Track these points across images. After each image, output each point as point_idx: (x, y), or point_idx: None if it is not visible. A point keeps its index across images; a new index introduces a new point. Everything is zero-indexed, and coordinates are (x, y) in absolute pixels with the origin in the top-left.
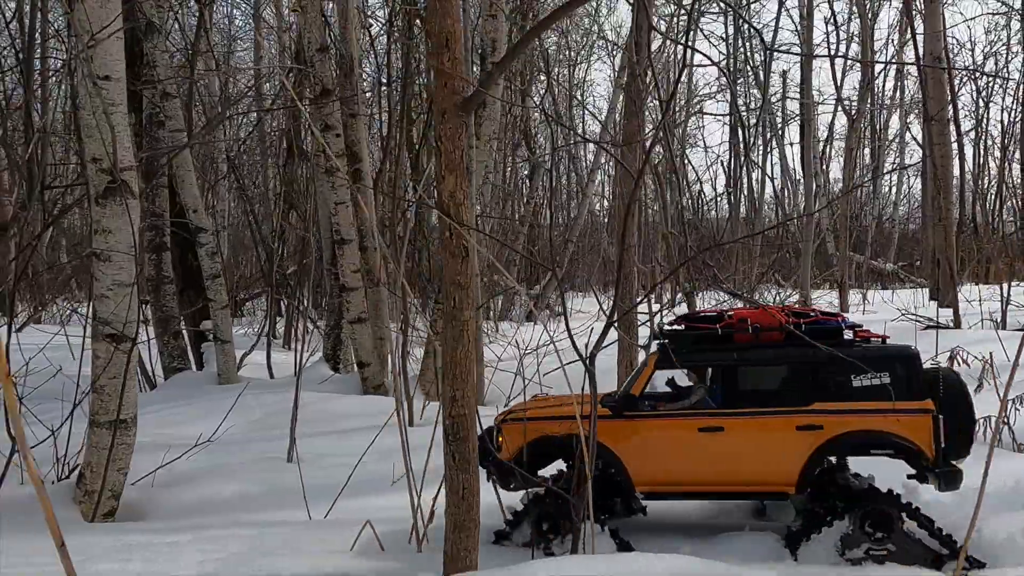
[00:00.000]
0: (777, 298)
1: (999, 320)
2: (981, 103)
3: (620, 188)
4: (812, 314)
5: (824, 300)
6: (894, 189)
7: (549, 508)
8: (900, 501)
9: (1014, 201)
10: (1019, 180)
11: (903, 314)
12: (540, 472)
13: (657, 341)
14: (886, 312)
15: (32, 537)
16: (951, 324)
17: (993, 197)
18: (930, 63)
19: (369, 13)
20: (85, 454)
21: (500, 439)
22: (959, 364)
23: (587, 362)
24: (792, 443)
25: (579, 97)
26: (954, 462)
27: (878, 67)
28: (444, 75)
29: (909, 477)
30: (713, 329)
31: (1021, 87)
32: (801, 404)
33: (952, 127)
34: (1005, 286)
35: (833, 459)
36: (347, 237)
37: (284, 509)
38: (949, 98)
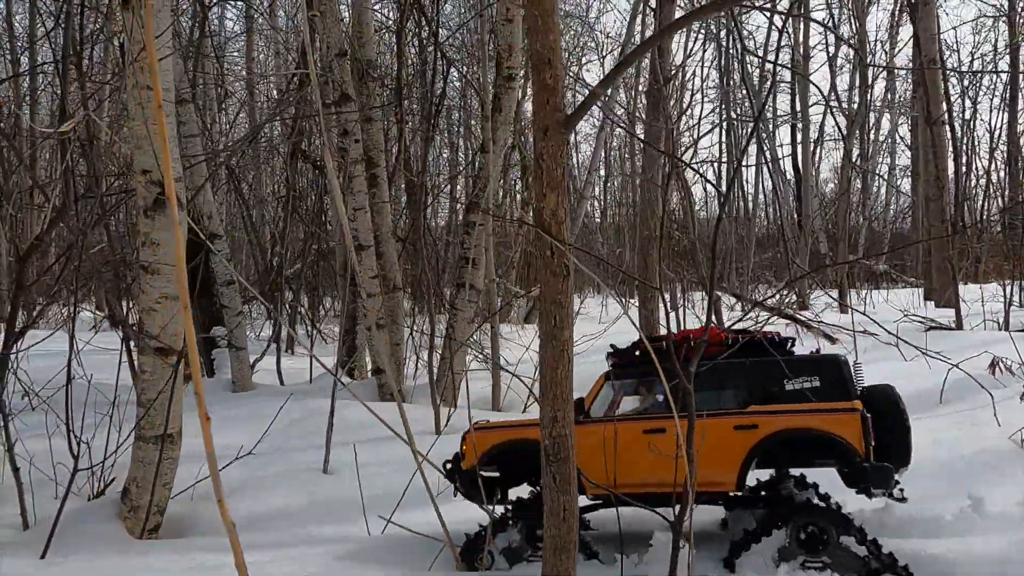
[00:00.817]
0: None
1: (1002, 320)
2: (968, 103)
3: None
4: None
5: (822, 301)
6: (883, 190)
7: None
8: (837, 515)
9: (1000, 201)
10: (1005, 180)
11: (905, 315)
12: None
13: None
14: (887, 313)
15: (93, 558)
16: (952, 325)
17: (982, 198)
18: (927, 64)
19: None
20: (131, 469)
21: (463, 448)
22: (1001, 371)
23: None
24: (730, 442)
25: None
26: (896, 476)
27: (869, 69)
28: (547, 91)
29: (849, 485)
30: (659, 345)
31: (1008, 88)
32: (738, 407)
33: (947, 129)
34: (1008, 286)
35: (774, 471)
36: (365, 243)
37: (333, 523)
38: (944, 100)
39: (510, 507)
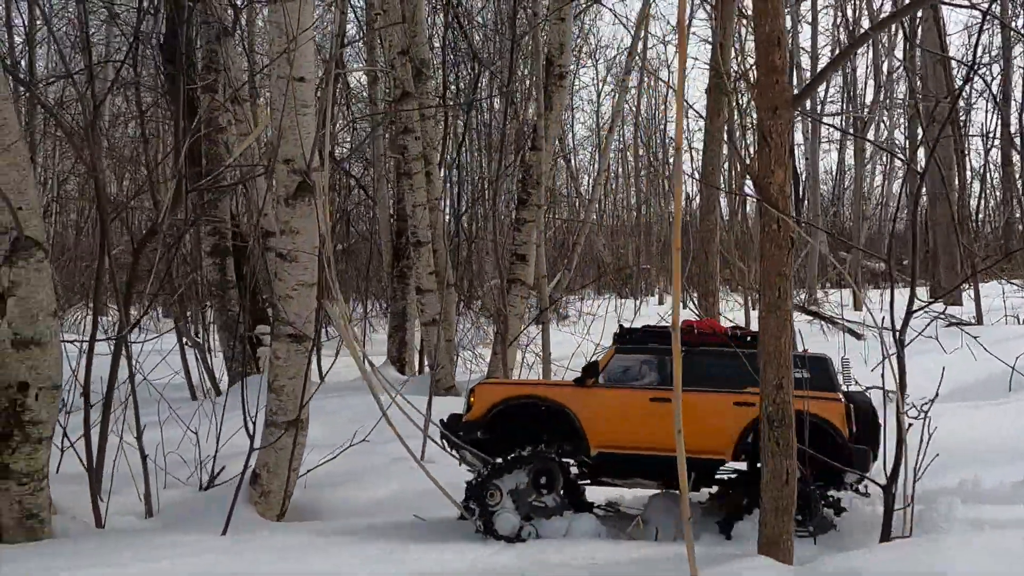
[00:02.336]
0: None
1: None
2: (960, 103)
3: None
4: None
5: (835, 299)
6: (879, 189)
7: (547, 463)
8: (821, 490)
9: (995, 200)
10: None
11: (923, 311)
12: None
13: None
14: (899, 311)
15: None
16: (973, 321)
17: (978, 197)
18: (931, 65)
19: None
20: (260, 455)
21: (471, 399)
22: None
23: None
24: (730, 415)
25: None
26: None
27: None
28: (776, 72)
29: (824, 477)
30: (664, 330)
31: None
32: (735, 388)
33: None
34: None
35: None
36: (423, 239)
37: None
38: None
39: (517, 453)
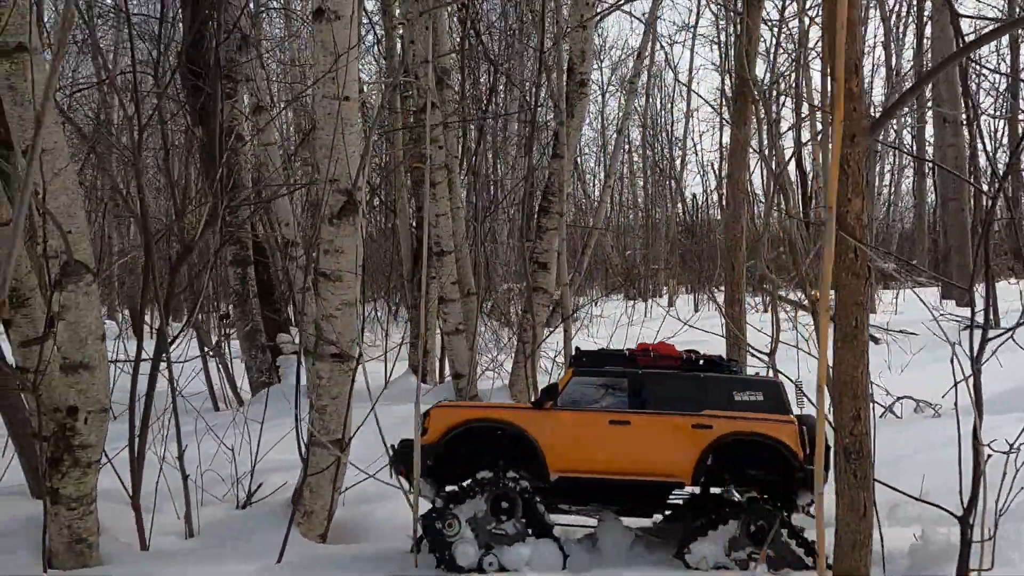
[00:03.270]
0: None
1: None
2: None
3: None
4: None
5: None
6: (887, 189)
7: (506, 488)
8: (779, 513)
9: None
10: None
11: (941, 314)
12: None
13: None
14: (916, 312)
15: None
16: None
17: (985, 198)
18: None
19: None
20: (302, 473)
21: (426, 422)
22: None
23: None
24: (689, 438)
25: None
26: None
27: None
28: (853, 99)
29: (777, 499)
30: (621, 353)
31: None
32: (693, 410)
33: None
34: None
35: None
36: (446, 248)
37: None
38: (964, 98)
39: (474, 479)
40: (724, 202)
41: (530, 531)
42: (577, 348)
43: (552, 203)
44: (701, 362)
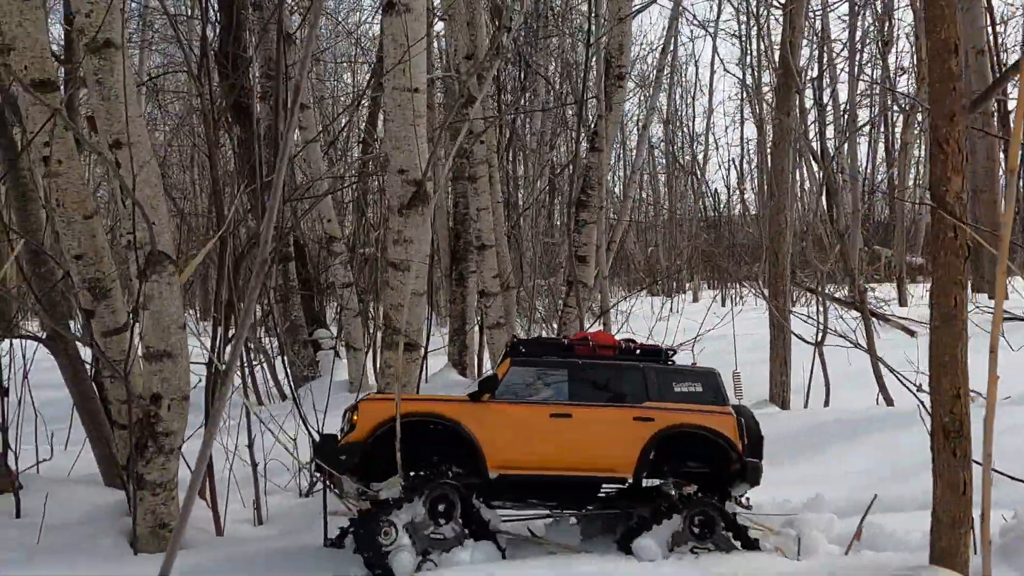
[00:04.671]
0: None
1: None
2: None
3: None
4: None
5: (880, 294)
6: (920, 183)
7: (445, 490)
8: (721, 507)
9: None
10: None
11: (976, 306)
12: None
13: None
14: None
15: None
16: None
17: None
18: (972, 55)
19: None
20: None
21: (354, 418)
22: None
23: None
24: (630, 431)
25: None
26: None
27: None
28: (952, 79)
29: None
30: (560, 341)
31: None
32: (634, 402)
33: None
34: None
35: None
36: (488, 242)
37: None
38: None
39: (411, 482)
40: (765, 193)
41: (467, 532)
42: (514, 337)
43: (591, 196)
44: (638, 352)
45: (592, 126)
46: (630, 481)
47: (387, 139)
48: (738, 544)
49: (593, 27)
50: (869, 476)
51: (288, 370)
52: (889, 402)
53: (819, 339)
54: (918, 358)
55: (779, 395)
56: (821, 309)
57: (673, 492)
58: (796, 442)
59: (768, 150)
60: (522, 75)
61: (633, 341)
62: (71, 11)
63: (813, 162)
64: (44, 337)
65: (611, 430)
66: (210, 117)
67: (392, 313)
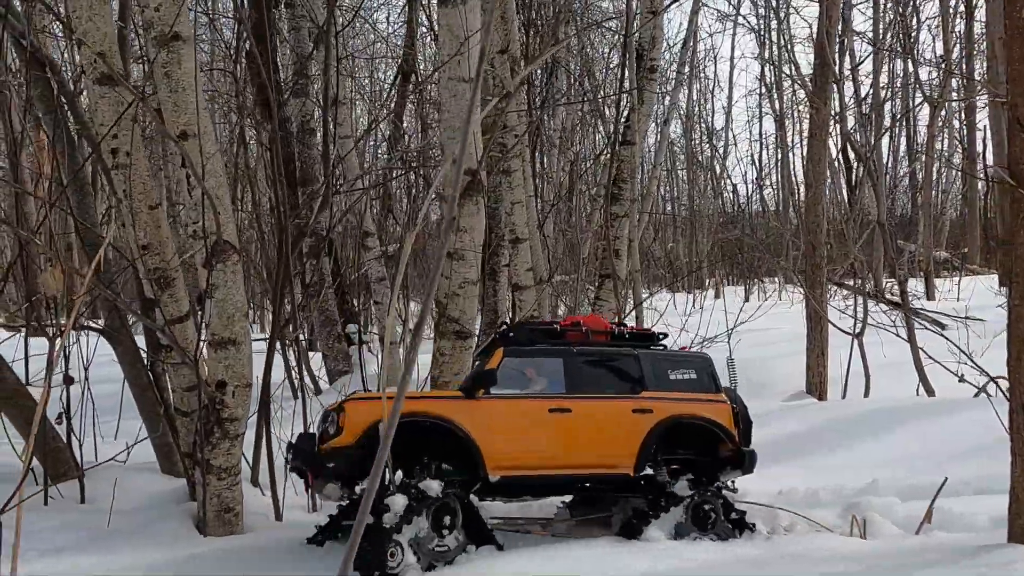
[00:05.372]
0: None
1: None
2: None
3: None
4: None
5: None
6: (945, 176)
7: (447, 499)
8: (721, 495)
9: None
10: None
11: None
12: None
13: (501, 331)
14: (982, 297)
15: None
16: None
17: None
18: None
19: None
20: None
21: (341, 419)
22: None
23: None
24: (630, 425)
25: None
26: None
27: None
28: None
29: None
30: (551, 327)
31: None
32: (632, 393)
33: None
34: None
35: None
36: (522, 236)
37: None
38: None
39: (417, 496)
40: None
41: (470, 540)
42: (504, 323)
43: (623, 190)
44: (628, 336)
45: (624, 119)
46: (631, 476)
47: (442, 129)
48: (737, 533)
49: (620, 21)
50: (924, 462)
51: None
52: (930, 392)
53: (859, 330)
54: (962, 350)
55: (816, 386)
56: (860, 301)
57: (668, 481)
58: (845, 430)
59: (779, 144)
60: (548, 70)
61: (624, 325)
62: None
63: (852, 153)
64: (104, 328)
65: (611, 425)
66: (273, 110)
67: (446, 301)
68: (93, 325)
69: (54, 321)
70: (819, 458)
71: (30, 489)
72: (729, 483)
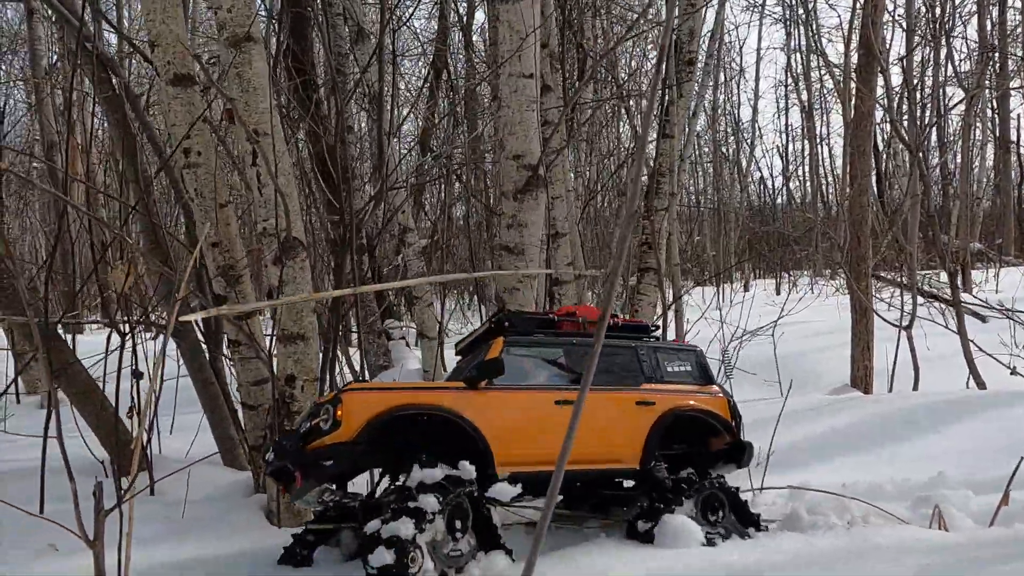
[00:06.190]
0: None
1: None
2: None
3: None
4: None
5: (944, 280)
6: (978, 166)
7: (461, 499)
8: (731, 490)
9: None
10: None
11: None
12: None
13: (497, 319)
14: (1011, 291)
15: None
16: None
17: None
18: None
19: None
20: None
21: (337, 412)
22: None
23: None
24: (635, 418)
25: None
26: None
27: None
28: None
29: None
30: (547, 315)
31: None
32: (633, 385)
33: None
34: None
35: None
36: (562, 230)
37: None
38: None
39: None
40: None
41: (480, 544)
42: (500, 310)
43: (662, 183)
44: (619, 326)
45: (663, 113)
46: (637, 471)
47: (501, 125)
48: (744, 528)
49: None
50: (987, 455)
51: (364, 359)
52: (981, 385)
53: (907, 323)
54: (992, 341)
55: (862, 380)
56: (908, 293)
57: (667, 477)
58: (901, 423)
59: (806, 136)
60: (581, 64)
61: (615, 315)
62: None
63: (901, 144)
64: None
65: (616, 418)
66: (340, 108)
67: (505, 296)
68: (156, 322)
69: (127, 318)
70: (877, 452)
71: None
72: (719, 476)
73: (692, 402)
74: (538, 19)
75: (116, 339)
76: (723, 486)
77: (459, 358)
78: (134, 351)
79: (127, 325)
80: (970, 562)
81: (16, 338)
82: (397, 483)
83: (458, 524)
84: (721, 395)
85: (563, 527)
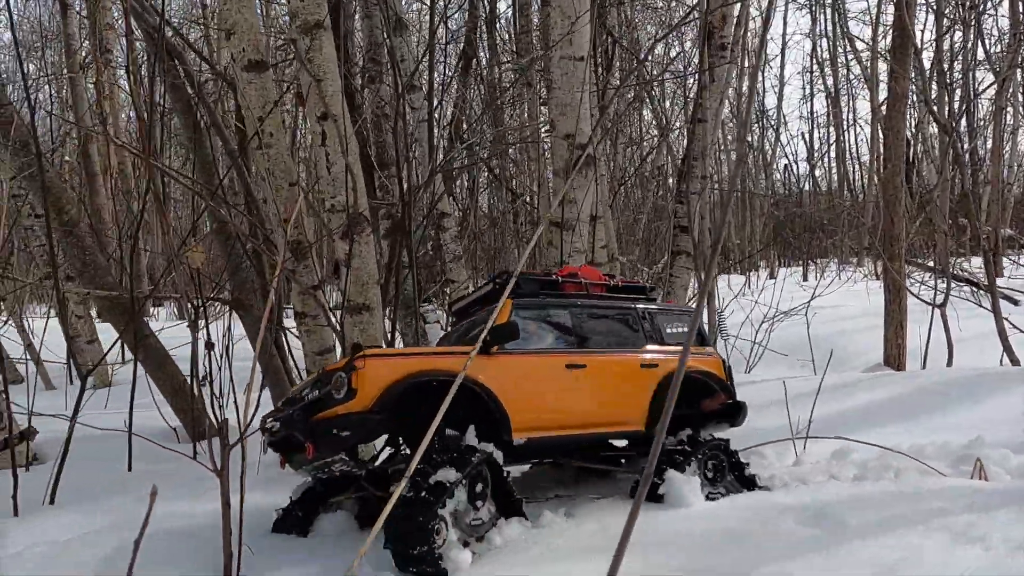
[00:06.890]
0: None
1: None
2: None
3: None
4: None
5: (975, 264)
6: (1009, 151)
7: (480, 468)
8: (732, 451)
9: None
10: None
11: None
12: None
13: (498, 281)
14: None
15: None
16: None
17: None
18: None
19: None
20: None
21: (353, 379)
22: None
23: None
24: (640, 380)
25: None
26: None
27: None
28: None
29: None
30: (551, 277)
31: None
32: (635, 347)
33: None
34: None
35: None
36: (597, 213)
37: None
38: None
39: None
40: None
41: (499, 511)
42: (502, 271)
43: (695, 167)
44: (618, 288)
45: (695, 98)
46: (643, 432)
47: (552, 106)
48: (738, 485)
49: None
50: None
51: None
52: (1015, 362)
53: (941, 302)
54: None
55: (895, 358)
56: (942, 273)
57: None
58: (938, 395)
59: (831, 122)
60: (610, 51)
61: (612, 275)
62: None
63: (936, 126)
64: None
65: (623, 381)
66: (397, 96)
67: (553, 270)
68: (223, 298)
69: (199, 295)
70: (915, 421)
71: (185, 448)
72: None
73: (696, 365)
74: (587, 2)
75: (186, 319)
76: (725, 447)
77: (453, 319)
78: (207, 325)
79: (200, 300)
80: (1019, 496)
81: (78, 315)
82: (403, 451)
83: (478, 490)
84: (718, 357)
85: (575, 494)
